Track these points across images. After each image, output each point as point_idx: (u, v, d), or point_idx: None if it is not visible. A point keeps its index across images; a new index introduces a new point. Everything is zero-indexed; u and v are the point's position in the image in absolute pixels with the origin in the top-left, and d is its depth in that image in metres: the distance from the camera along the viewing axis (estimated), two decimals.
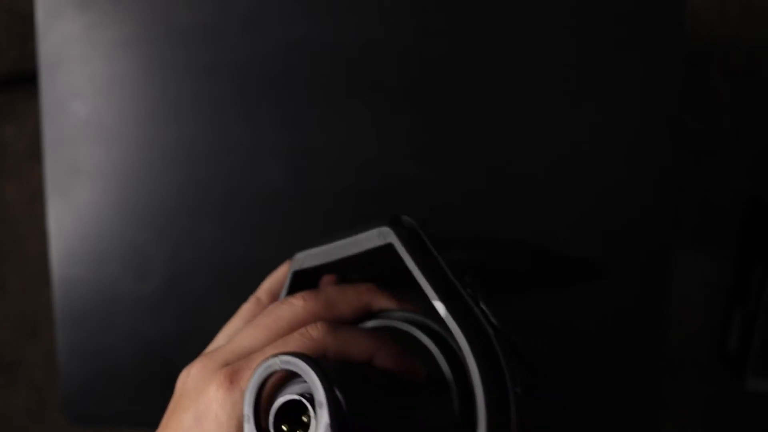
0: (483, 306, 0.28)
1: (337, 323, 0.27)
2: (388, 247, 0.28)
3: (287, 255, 0.51)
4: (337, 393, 0.23)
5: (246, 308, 0.32)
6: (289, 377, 0.25)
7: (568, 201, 0.51)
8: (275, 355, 0.23)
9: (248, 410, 0.23)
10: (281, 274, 0.34)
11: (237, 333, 0.28)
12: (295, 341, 0.26)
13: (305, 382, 0.23)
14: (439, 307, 0.26)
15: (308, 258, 0.31)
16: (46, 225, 0.51)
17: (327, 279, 0.32)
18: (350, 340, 0.26)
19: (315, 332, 0.26)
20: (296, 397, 0.23)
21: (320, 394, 0.22)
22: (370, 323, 0.30)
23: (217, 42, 0.50)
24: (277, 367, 0.23)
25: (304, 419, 0.23)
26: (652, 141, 0.51)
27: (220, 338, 0.31)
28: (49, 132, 0.51)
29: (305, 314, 0.28)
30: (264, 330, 0.27)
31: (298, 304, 0.28)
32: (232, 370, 0.25)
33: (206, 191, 0.51)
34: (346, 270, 0.33)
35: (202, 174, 0.51)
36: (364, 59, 0.50)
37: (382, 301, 0.30)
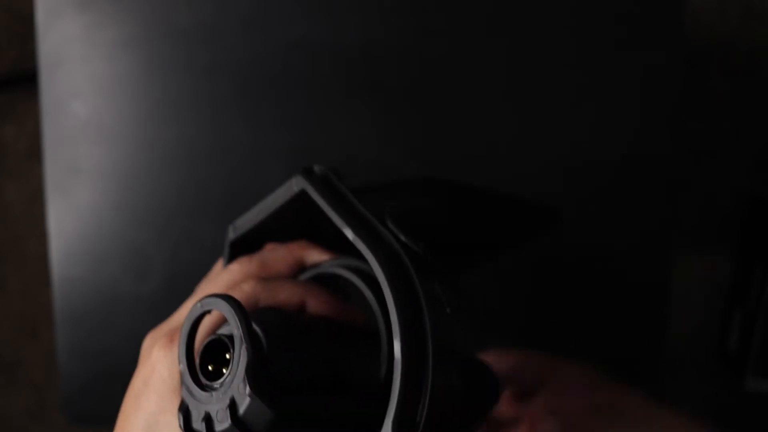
0: (392, 226, 0.28)
1: (268, 277, 0.29)
2: (304, 196, 0.29)
3: None
4: (257, 330, 0.24)
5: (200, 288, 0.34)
6: (222, 323, 0.26)
7: (568, 201, 0.51)
8: (198, 300, 0.23)
9: (181, 353, 0.24)
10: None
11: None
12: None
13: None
14: (348, 232, 0.26)
15: (238, 226, 0.33)
16: (46, 225, 0.51)
17: (269, 246, 0.33)
18: (278, 288, 0.28)
19: (245, 286, 0.27)
20: (216, 336, 0.24)
21: (237, 331, 0.22)
22: (304, 275, 0.31)
23: (217, 42, 0.50)
24: (198, 311, 0.23)
25: (228, 357, 0.24)
26: (652, 141, 0.51)
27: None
28: (49, 132, 0.51)
29: (241, 276, 0.29)
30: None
31: (234, 268, 0.30)
32: (171, 331, 0.27)
33: (206, 191, 0.51)
34: (285, 237, 0.34)
35: (202, 174, 0.51)
36: (364, 59, 0.50)
37: (314, 255, 0.31)
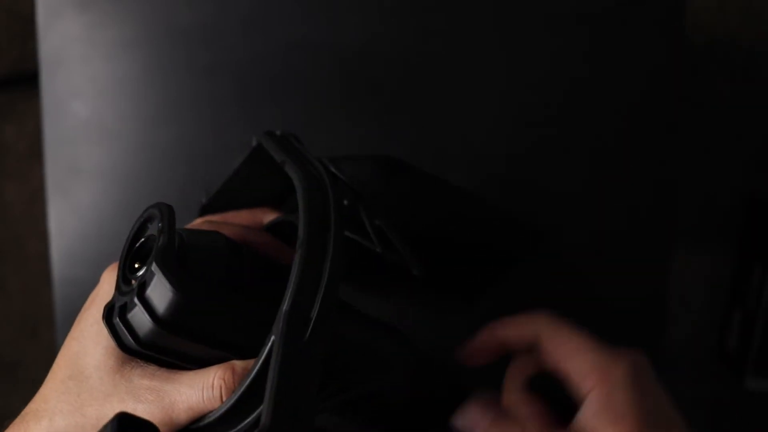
0: (330, 166, 0.31)
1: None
2: (262, 153, 0.31)
3: None
4: (181, 232, 0.26)
5: None
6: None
7: (567, 201, 0.51)
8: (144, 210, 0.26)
9: (121, 256, 0.27)
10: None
11: None
12: None
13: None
14: (282, 162, 0.28)
15: (209, 191, 0.36)
16: (46, 225, 0.51)
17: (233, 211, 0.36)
18: (223, 226, 0.30)
19: (196, 221, 0.31)
20: (145, 238, 0.27)
21: (160, 224, 0.25)
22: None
23: (217, 42, 0.50)
24: (140, 218, 0.27)
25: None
26: (652, 141, 0.51)
27: None
28: (49, 132, 0.51)
29: (200, 221, 0.32)
30: None
31: (198, 221, 0.33)
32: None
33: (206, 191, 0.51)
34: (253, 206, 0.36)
35: (202, 174, 0.51)
36: (363, 59, 0.50)
37: (274, 216, 0.34)
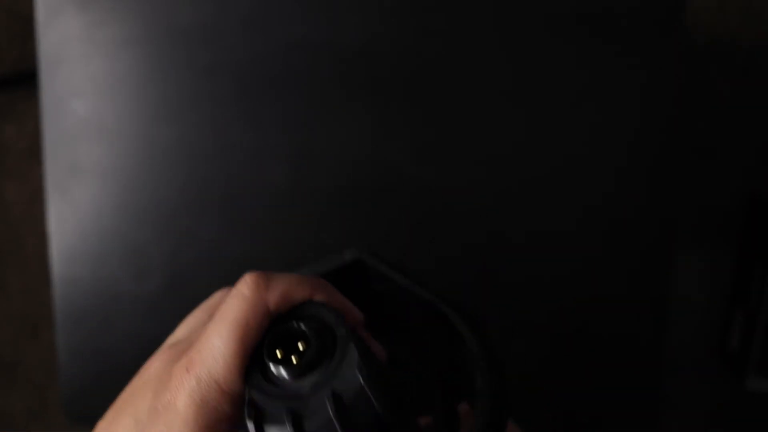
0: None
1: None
2: (357, 264, 0.30)
3: (287, 254, 0.51)
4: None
5: (211, 300, 0.32)
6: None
7: (567, 200, 0.51)
8: (289, 320, 0.22)
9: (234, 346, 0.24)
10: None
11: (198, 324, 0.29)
12: (230, 308, 0.25)
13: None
14: (446, 309, 0.27)
15: None
16: (46, 225, 0.51)
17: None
18: (287, 284, 0.26)
19: (245, 288, 0.25)
20: (288, 326, 0.24)
21: (341, 329, 0.22)
22: None
23: (218, 42, 0.50)
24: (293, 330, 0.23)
25: (300, 346, 0.24)
26: (652, 141, 0.51)
27: (181, 330, 0.31)
28: (49, 131, 0.51)
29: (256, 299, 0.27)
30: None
31: (247, 295, 0.27)
32: (188, 360, 0.25)
33: (206, 191, 0.51)
34: None
35: (202, 173, 0.51)
36: (364, 59, 0.50)
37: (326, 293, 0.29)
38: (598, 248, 0.51)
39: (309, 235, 0.51)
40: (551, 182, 0.51)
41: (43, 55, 0.50)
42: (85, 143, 0.51)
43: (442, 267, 0.51)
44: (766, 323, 0.76)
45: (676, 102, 0.50)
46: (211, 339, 0.25)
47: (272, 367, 0.24)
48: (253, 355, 0.25)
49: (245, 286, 0.26)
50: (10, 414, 0.85)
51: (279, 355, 0.24)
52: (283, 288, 0.26)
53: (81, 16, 0.50)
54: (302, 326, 0.24)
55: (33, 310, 0.83)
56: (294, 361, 0.23)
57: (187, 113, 0.51)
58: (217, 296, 0.31)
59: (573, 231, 0.51)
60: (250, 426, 0.23)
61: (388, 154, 0.50)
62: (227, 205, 0.51)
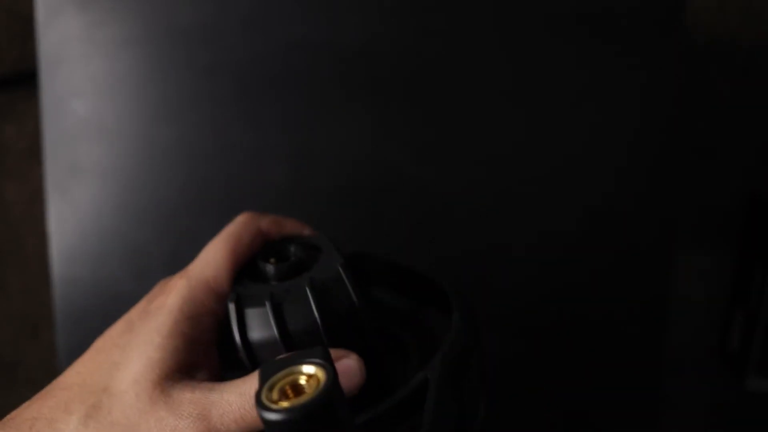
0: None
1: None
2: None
3: None
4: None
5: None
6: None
7: (567, 201, 0.51)
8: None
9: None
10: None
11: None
12: (227, 228, 0.30)
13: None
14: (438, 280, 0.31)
15: None
16: (46, 225, 0.51)
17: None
18: (278, 216, 0.30)
19: (241, 216, 0.31)
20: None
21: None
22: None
23: (218, 41, 0.50)
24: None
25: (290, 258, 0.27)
26: (652, 141, 0.51)
27: None
28: (49, 131, 0.51)
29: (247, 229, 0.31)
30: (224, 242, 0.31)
31: (243, 219, 0.31)
32: (185, 270, 0.29)
33: (206, 190, 0.51)
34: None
35: (203, 173, 0.51)
36: (364, 59, 0.50)
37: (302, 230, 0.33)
38: (598, 248, 0.51)
39: None
40: (551, 182, 0.51)
41: (43, 55, 0.50)
42: (85, 143, 0.51)
43: (442, 267, 0.51)
44: (766, 323, 0.76)
45: (676, 102, 0.50)
46: (207, 250, 0.29)
47: (261, 266, 0.27)
48: (245, 268, 0.28)
49: (242, 215, 0.31)
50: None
51: (269, 261, 0.27)
52: (275, 217, 0.30)
53: (81, 16, 0.50)
54: (292, 245, 0.28)
55: (33, 310, 0.83)
56: (282, 264, 0.27)
57: (187, 113, 0.51)
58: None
59: (573, 231, 0.51)
60: (231, 308, 0.25)
61: (388, 154, 0.50)
62: (227, 205, 0.51)
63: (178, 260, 0.52)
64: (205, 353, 0.26)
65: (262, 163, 0.51)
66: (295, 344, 0.24)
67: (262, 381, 0.19)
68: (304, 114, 0.51)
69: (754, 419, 0.84)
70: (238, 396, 0.23)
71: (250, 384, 0.23)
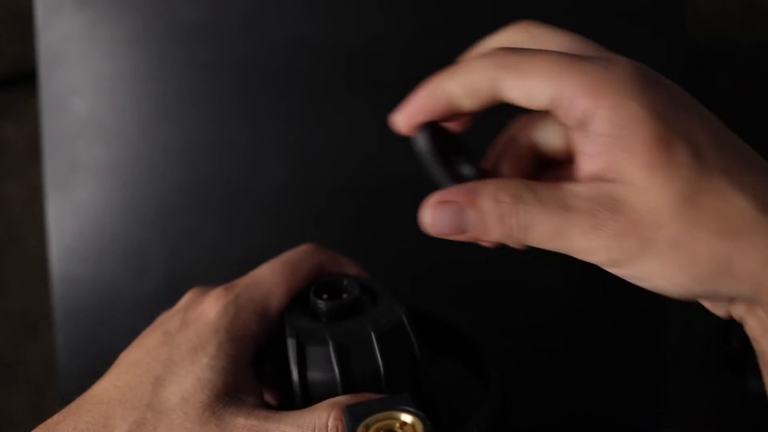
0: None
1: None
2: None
3: None
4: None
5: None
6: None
7: None
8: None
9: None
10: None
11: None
12: (286, 254, 0.29)
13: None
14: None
15: None
16: (45, 224, 0.51)
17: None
18: (337, 253, 0.30)
19: (305, 245, 0.30)
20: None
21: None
22: None
23: (218, 39, 0.50)
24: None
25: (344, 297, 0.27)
26: None
27: None
28: (48, 130, 0.51)
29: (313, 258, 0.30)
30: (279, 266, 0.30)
31: (305, 249, 0.30)
32: (231, 284, 0.27)
33: (207, 189, 0.51)
34: None
35: (203, 172, 0.51)
36: (364, 56, 0.50)
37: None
38: None
39: (309, 235, 0.51)
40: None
41: (43, 54, 0.50)
42: (85, 142, 0.51)
43: (442, 267, 0.51)
44: None
45: None
46: (261, 271, 0.28)
47: (313, 301, 0.27)
48: (298, 299, 0.28)
49: (304, 245, 0.30)
50: (9, 414, 0.84)
51: (322, 297, 0.27)
52: (333, 254, 0.30)
53: (80, 15, 0.50)
54: (346, 282, 0.28)
55: (32, 309, 0.83)
56: (335, 302, 0.26)
57: (187, 112, 0.51)
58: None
59: None
60: (291, 343, 0.25)
61: (390, 151, 0.50)
62: (228, 204, 0.51)
63: (177, 259, 0.52)
64: (248, 375, 0.25)
65: (262, 161, 0.51)
66: (353, 387, 0.24)
67: (353, 420, 0.20)
68: (305, 111, 0.51)
69: (754, 420, 0.84)
70: (296, 428, 0.22)
71: (308, 418, 0.22)
